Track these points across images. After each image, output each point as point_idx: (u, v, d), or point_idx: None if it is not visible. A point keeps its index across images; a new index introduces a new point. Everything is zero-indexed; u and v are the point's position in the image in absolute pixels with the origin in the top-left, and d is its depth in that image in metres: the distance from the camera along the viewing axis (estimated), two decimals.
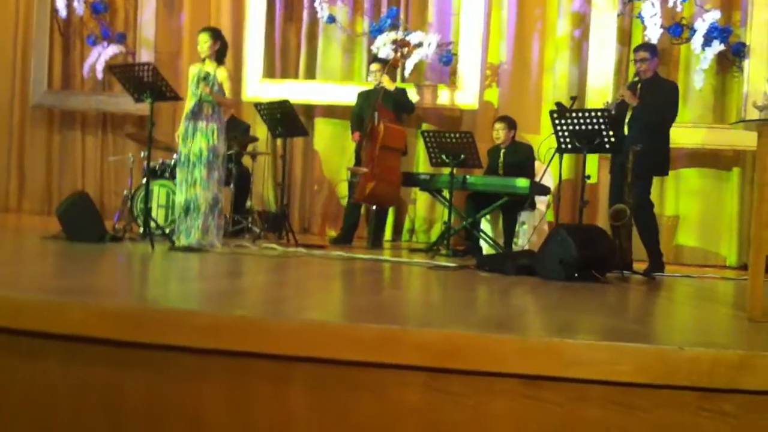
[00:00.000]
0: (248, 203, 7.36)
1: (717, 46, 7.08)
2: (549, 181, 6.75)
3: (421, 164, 7.89)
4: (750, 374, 2.69)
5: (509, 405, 2.78)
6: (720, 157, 7.39)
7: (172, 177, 6.54)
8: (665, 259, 6.12)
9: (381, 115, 6.90)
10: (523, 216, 6.80)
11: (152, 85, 5.77)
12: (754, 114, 4.17)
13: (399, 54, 7.56)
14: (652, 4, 7.21)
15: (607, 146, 5.76)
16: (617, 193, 5.82)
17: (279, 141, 7.65)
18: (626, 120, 5.92)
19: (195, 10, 8.94)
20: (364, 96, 7.37)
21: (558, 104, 5.95)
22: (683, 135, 7.00)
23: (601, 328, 3.35)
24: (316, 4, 8.27)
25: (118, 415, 2.93)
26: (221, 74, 5.65)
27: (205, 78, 5.62)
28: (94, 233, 5.70)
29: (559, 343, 2.81)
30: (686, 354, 2.72)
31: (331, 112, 8.37)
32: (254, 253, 5.77)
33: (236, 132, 7.22)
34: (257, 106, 7.30)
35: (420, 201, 8.10)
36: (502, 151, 6.95)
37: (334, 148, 8.41)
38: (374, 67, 7.26)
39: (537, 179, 6.53)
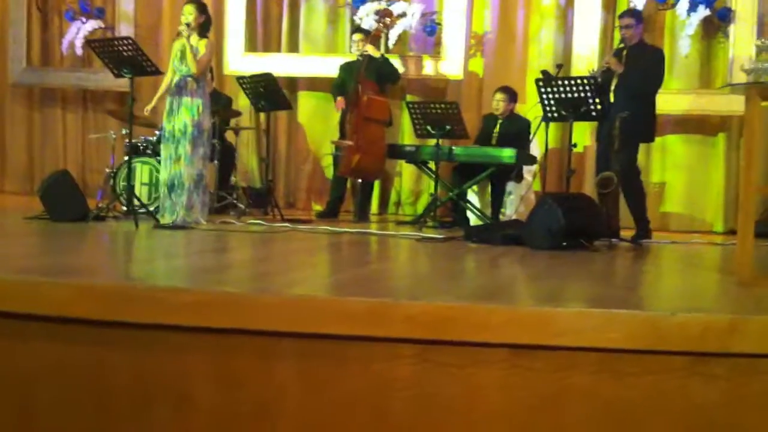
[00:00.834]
0: (233, 179, 7.29)
1: (702, 12, 7.03)
2: (536, 150, 6.71)
3: (407, 136, 7.83)
4: (740, 338, 2.69)
5: (500, 375, 2.77)
6: (706, 124, 7.37)
7: (155, 154, 6.46)
8: (652, 226, 6.11)
9: (364, 86, 6.83)
10: (510, 186, 6.78)
11: (132, 59, 5.67)
12: (740, 78, 4.15)
13: (382, 24, 7.47)
14: None
15: (594, 114, 5.73)
16: (604, 161, 5.80)
17: (262, 115, 7.56)
18: (612, 87, 5.88)
19: None
20: (346, 67, 7.29)
21: (544, 72, 5.91)
22: (669, 101, 6.96)
23: (589, 296, 3.35)
24: None
25: (104, 394, 2.90)
26: (206, 46, 5.57)
27: (189, 49, 5.52)
28: (77, 212, 5.63)
29: (548, 312, 2.80)
30: (677, 319, 2.72)
31: (315, 84, 8.29)
32: (239, 229, 5.73)
33: (218, 106, 7.12)
34: (240, 79, 7.21)
35: (406, 173, 8.05)
36: (500, 121, 6.88)
37: (318, 122, 8.33)
38: (356, 37, 7.17)
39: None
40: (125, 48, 5.67)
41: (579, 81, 5.69)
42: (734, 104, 6.40)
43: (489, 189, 6.77)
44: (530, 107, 6.51)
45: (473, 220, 6.69)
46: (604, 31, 7.55)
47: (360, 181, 7.15)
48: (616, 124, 5.53)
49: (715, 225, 7.38)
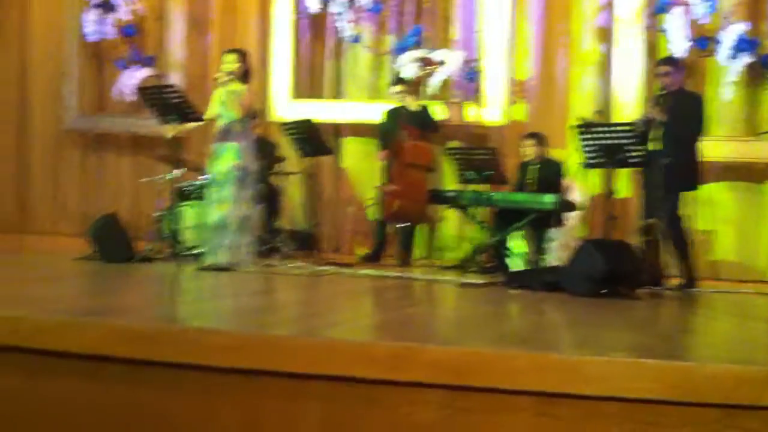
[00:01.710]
0: (278, 222, 7.39)
1: (745, 58, 6.98)
2: (578, 196, 6.69)
3: (449, 181, 7.87)
4: None
5: (525, 422, 2.75)
6: (753, 170, 7.26)
7: (202, 197, 6.60)
8: (701, 275, 6.01)
9: (407, 133, 6.91)
10: (552, 232, 6.74)
11: (177, 107, 5.84)
12: None
13: (423, 72, 7.57)
14: (676, 17, 7.14)
15: (633, 161, 5.70)
16: (648, 209, 5.75)
17: (307, 160, 7.67)
18: (651, 135, 5.84)
19: (222, 32, 9.04)
20: (389, 114, 7.40)
21: (582, 119, 5.91)
22: (714, 148, 6.85)
23: (622, 344, 3.31)
24: (340, 24, 8.32)
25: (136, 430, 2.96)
26: (245, 92, 5.73)
27: (233, 95, 5.69)
28: (124, 253, 5.80)
29: (575, 360, 2.78)
30: (709, 370, 2.67)
31: (358, 130, 8.39)
32: (282, 272, 5.80)
33: (264, 151, 7.26)
34: (283, 125, 7.36)
35: (450, 218, 8.06)
36: (532, 167, 6.90)
37: (362, 167, 8.42)
38: (397, 88, 7.31)
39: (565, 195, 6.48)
40: (170, 96, 5.85)
41: (617, 127, 5.68)
42: None
43: (530, 234, 6.74)
44: (570, 154, 6.50)
45: (514, 265, 6.66)
46: (645, 76, 7.51)
47: (402, 225, 7.19)
48: (659, 172, 5.48)
49: (767, 273, 7.21)
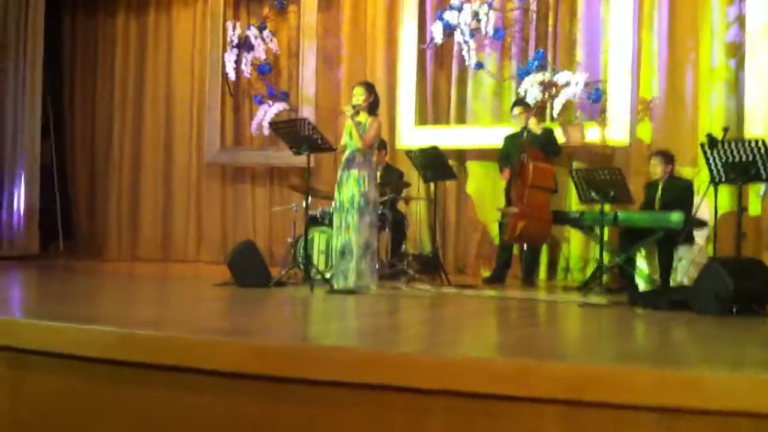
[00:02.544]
0: (403, 247, 7.59)
1: None
2: (707, 214, 6.53)
3: (573, 202, 7.85)
4: None
5: None
6: None
7: (331, 224, 6.89)
8: None
9: (529, 154, 6.98)
10: (681, 251, 6.61)
11: (308, 138, 6.17)
12: None
13: (546, 95, 7.63)
14: None
15: (764, 176, 5.55)
16: None
17: (432, 185, 7.85)
18: None
19: (351, 65, 9.43)
20: (510, 138, 7.49)
21: (708, 135, 5.80)
22: None
23: (748, 360, 3.27)
24: (464, 52, 8.49)
25: None
26: (372, 123, 5.97)
27: (359, 125, 5.96)
28: (260, 279, 6.13)
29: (695, 375, 2.79)
30: None
31: (482, 155, 8.51)
32: (407, 294, 5.98)
33: (391, 178, 7.51)
34: (408, 153, 7.57)
35: (574, 239, 8.04)
36: (660, 185, 6.81)
37: (485, 190, 8.54)
38: (516, 110, 7.39)
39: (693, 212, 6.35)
40: (302, 128, 6.18)
41: (746, 144, 5.55)
42: None
43: (658, 254, 6.64)
44: (697, 171, 6.39)
45: (642, 285, 6.57)
46: None
47: (526, 246, 7.24)
48: None
49: None
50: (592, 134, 7.88)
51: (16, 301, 5.19)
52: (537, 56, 8.16)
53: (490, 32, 8.35)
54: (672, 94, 7.78)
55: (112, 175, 10.55)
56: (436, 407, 2.99)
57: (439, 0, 8.88)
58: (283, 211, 8.84)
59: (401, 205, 7.91)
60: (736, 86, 7.52)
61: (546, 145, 7.16)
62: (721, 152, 5.59)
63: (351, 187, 5.90)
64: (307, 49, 9.47)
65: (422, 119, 8.90)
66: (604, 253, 6.52)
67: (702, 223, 6.48)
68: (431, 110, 8.97)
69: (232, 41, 9.69)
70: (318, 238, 7.05)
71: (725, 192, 6.50)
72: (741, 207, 5.63)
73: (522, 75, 8.13)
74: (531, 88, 7.89)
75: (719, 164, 5.62)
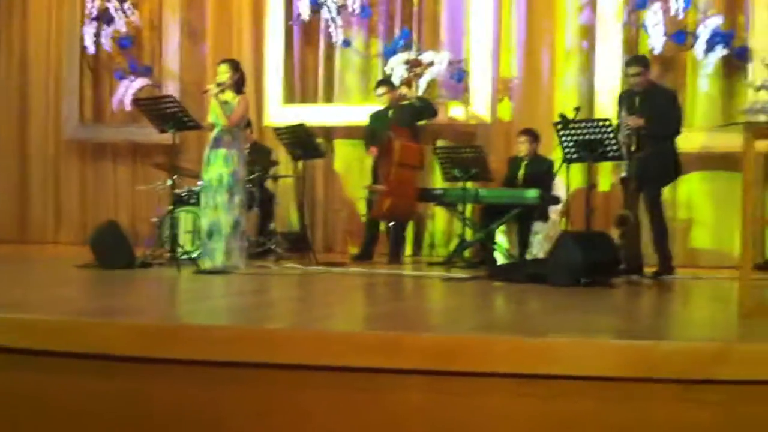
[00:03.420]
0: (272, 225, 7.61)
1: (720, 51, 7.21)
2: (561, 190, 6.91)
3: (437, 180, 8.10)
4: (726, 365, 2.85)
5: (503, 403, 2.97)
6: (730, 160, 7.44)
7: (198, 203, 6.82)
8: (682, 263, 6.21)
9: (396, 133, 7.13)
10: (537, 226, 6.97)
11: (173, 115, 6.08)
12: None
13: (412, 73, 7.82)
14: (654, 13, 7.37)
15: (611, 155, 5.93)
16: (626, 201, 5.97)
17: (300, 163, 7.89)
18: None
19: (217, 40, 9.27)
20: (376, 115, 7.61)
21: (561, 115, 6.14)
22: (693, 139, 7.10)
23: (590, 328, 3.52)
24: (331, 29, 8.54)
25: (144, 425, 3.18)
26: (239, 102, 5.93)
27: (225, 104, 5.91)
28: (124, 260, 5.98)
29: (545, 343, 3.01)
30: (664, 347, 2.91)
31: (350, 132, 8.61)
32: (275, 273, 6.03)
33: (258, 156, 7.50)
34: (276, 130, 7.57)
35: (439, 216, 8.30)
36: (524, 163, 7.12)
37: (353, 168, 8.65)
38: (381, 90, 7.52)
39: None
40: (168, 105, 6.08)
41: (595, 123, 5.91)
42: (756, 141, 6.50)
43: (516, 229, 6.98)
44: (554, 148, 6.74)
45: (501, 259, 6.90)
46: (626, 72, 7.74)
47: (392, 223, 7.42)
48: (633, 165, 5.72)
49: None
50: (456, 112, 8.14)
51: None
52: (402, 35, 8.33)
53: (357, 10, 8.42)
54: (530, 74, 8.13)
55: None
56: (311, 382, 3.07)
57: None
58: (147, 191, 8.64)
59: (269, 183, 7.90)
60: (589, 67, 7.94)
61: (420, 109, 7.32)
62: (572, 131, 5.93)
63: (219, 167, 5.86)
64: (170, 23, 9.23)
65: (290, 96, 8.89)
66: (467, 229, 6.78)
67: (556, 200, 6.85)
68: (299, 87, 8.98)
69: (91, 13, 9.31)
70: (184, 217, 6.96)
71: (578, 169, 6.87)
72: (591, 184, 6.00)
73: (388, 54, 8.27)
74: (397, 68, 8.05)
75: (571, 143, 5.96)
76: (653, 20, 7.42)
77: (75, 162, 9.72)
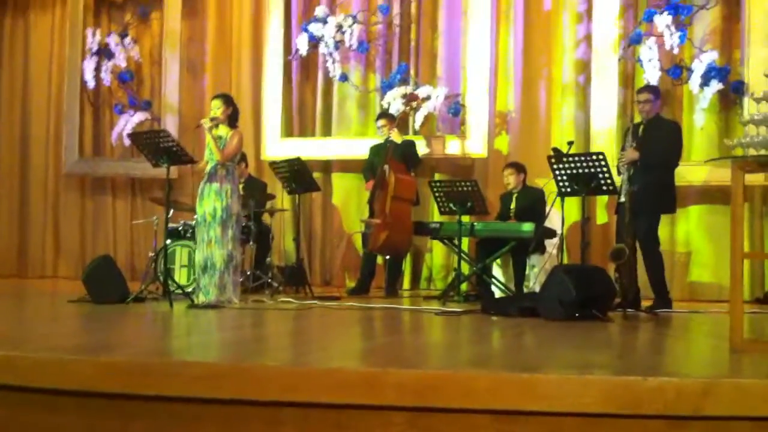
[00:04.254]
0: (268, 259, 7.60)
1: (715, 86, 7.23)
2: (557, 223, 6.88)
3: (435, 213, 8.09)
4: (713, 400, 2.80)
5: None
6: (728, 193, 7.41)
7: (194, 237, 6.81)
8: (681, 296, 6.16)
9: (392, 167, 7.15)
10: (534, 259, 6.94)
11: (167, 150, 6.09)
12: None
13: (408, 107, 7.85)
14: (650, 48, 7.41)
15: (605, 188, 5.91)
16: (620, 233, 5.92)
17: (297, 197, 7.89)
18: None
19: (216, 75, 9.36)
20: (374, 149, 7.65)
21: (554, 149, 6.14)
22: (690, 172, 7.11)
23: (577, 363, 3.46)
24: (329, 64, 8.60)
25: None
26: (233, 136, 5.94)
27: (218, 140, 5.92)
28: (117, 294, 5.95)
29: (528, 378, 2.96)
30: (650, 383, 2.85)
31: (348, 166, 8.64)
32: (269, 307, 5.98)
33: (254, 191, 7.51)
34: (272, 164, 7.59)
35: (436, 249, 8.28)
36: (514, 195, 7.14)
37: (351, 202, 8.67)
38: (381, 122, 7.55)
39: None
40: (162, 140, 6.09)
41: (588, 157, 5.90)
42: (753, 175, 6.47)
43: (512, 262, 6.95)
44: (545, 183, 6.73)
45: (497, 293, 6.85)
46: (623, 107, 7.78)
47: (388, 257, 7.40)
48: (628, 197, 5.69)
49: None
50: (453, 147, 8.16)
51: None
52: (400, 69, 8.38)
53: (354, 45, 8.50)
54: (527, 108, 8.17)
55: None
56: (289, 419, 3.03)
57: (304, 11, 8.97)
58: (145, 225, 8.65)
59: (266, 217, 7.91)
60: (585, 101, 7.97)
61: (406, 156, 7.35)
62: (566, 165, 5.92)
63: (213, 201, 5.85)
64: (170, 57, 9.32)
65: (288, 131, 8.93)
66: (463, 263, 6.75)
67: (552, 233, 6.82)
68: (297, 121, 9.03)
69: (91, 48, 9.42)
70: (180, 251, 6.96)
71: (574, 202, 6.86)
72: (585, 217, 5.97)
73: (385, 88, 8.32)
74: (394, 102, 8.09)
75: (565, 176, 5.95)
76: (648, 55, 7.46)
77: (74, 196, 9.77)
